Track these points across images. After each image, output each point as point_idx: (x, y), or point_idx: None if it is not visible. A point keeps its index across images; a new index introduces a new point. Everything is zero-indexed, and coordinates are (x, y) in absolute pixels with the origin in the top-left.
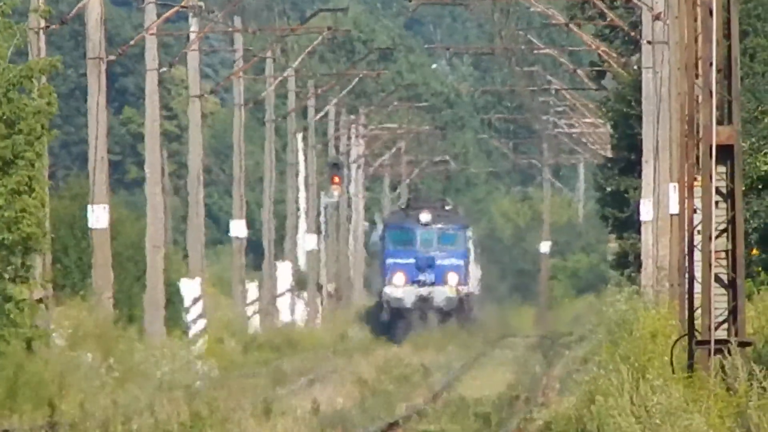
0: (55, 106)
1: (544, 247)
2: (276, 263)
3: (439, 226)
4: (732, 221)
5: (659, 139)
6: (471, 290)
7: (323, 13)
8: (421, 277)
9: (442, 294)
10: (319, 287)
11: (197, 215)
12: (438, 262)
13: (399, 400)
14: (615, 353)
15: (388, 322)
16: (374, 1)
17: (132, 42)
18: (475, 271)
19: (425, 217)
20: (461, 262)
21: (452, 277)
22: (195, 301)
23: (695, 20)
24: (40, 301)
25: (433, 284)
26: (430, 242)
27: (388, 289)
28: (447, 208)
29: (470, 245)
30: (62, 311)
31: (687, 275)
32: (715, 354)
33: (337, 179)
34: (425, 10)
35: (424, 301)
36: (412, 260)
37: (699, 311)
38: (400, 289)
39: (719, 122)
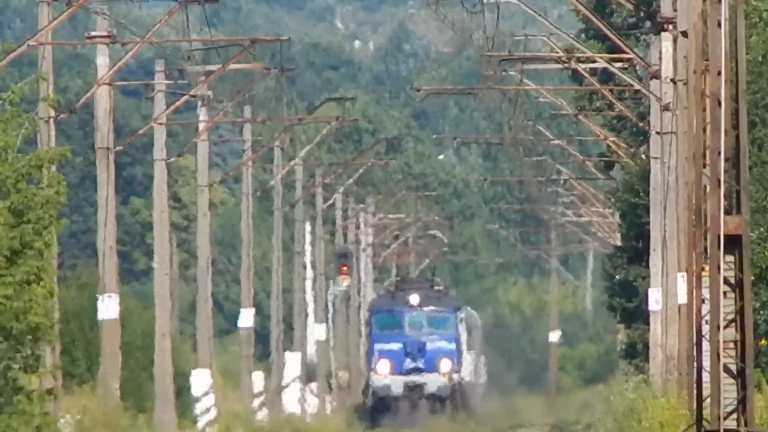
0: (64, 195)
1: (554, 336)
2: (285, 353)
3: (430, 308)
4: (740, 311)
5: (667, 228)
6: (464, 376)
7: (331, 102)
8: (411, 364)
9: (434, 381)
10: (330, 377)
11: (205, 304)
12: (428, 347)
13: None
14: None
15: (373, 411)
16: (382, 91)
17: (141, 132)
18: (467, 357)
19: (414, 299)
20: (453, 347)
21: (445, 364)
22: (205, 392)
23: (703, 110)
24: (49, 391)
25: (423, 371)
26: (419, 326)
27: (374, 377)
28: (437, 288)
29: (462, 329)
30: (70, 400)
31: (695, 365)
32: None
33: (345, 268)
34: (432, 101)
35: (414, 390)
36: (400, 345)
37: (708, 401)
38: (387, 377)
39: (727, 212)
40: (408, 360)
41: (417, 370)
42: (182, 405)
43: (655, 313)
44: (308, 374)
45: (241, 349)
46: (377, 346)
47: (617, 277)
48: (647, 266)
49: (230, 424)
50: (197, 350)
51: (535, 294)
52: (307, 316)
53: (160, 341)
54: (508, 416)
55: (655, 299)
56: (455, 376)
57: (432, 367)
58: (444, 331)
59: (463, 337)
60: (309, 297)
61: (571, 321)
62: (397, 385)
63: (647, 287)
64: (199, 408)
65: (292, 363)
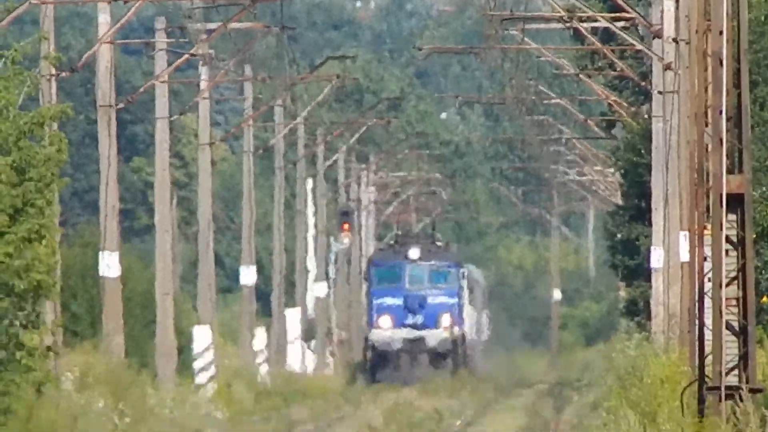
0: (65, 153)
1: (557, 294)
2: (285, 310)
3: (431, 262)
4: (742, 269)
5: (669, 187)
6: (466, 332)
7: (332, 61)
8: (411, 319)
9: (435, 336)
10: (330, 334)
11: (207, 262)
12: (429, 301)
13: None
14: (625, 399)
15: (373, 367)
16: (383, 50)
17: (142, 90)
18: (470, 313)
19: (415, 252)
20: (455, 302)
21: (446, 318)
22: (206, 348)
23: (705, 70)
24: (49, 348)
25: (424, 325)
26: (420, 280)
27: (374, 332)
28: (438, 243)
29: (463, 284)
30: (72, 357)
31: (697, 322)
32: (725, 400)
33: (346, 226)
34: (434, 60)
35: (414, 344)
36: (400, 300)
37: (709, 358)
38: (387, 331)
39: (729, 171)
40: (408, 314)
41: (417, 325)
42: (183, 362)
43: (656, 271)
44: (309, 331)
45: (242, 307)
46: (377, 301)
47: (619, 235)
48: (649, 225)
49: (231, 381)
50: (198, 308)
51: (537, 252)
52: (308, 273)
53: (162, 300)
54: (510, 374)
55: (656, 257)
56: (456, 330)
57: (433, 322)
58: (445, 286)
59: (465, 292)
60: (310, 255)
61: (573, 279)
62: (397, 339)
63: (649, 245)
64: (198, 364)
65: (293, 320)
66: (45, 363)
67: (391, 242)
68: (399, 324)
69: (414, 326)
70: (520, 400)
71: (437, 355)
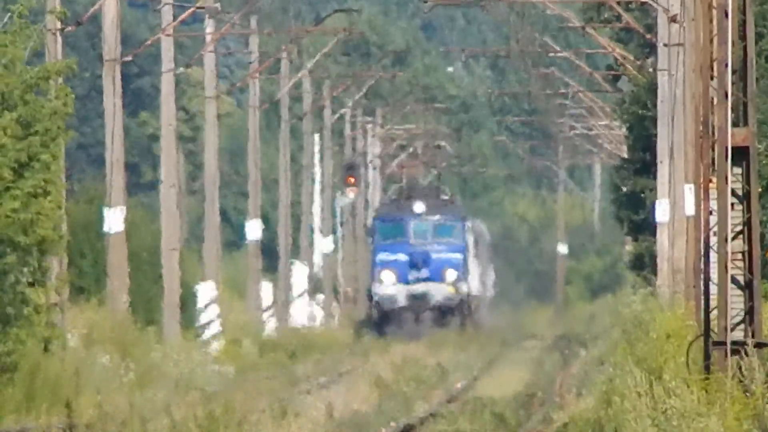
0: (71, 107)
1: (562, 248)
2: (291, 265)
3: (435, 217)
4: (748, 223)
5: (674, 140)
6: (471, 288)
7: (338, 14)
8: (415, 275)
9: (439, 291)
10: (336, 289)
11: (213, 217)
12: (434, 256)
13: (415, 400)
14: (630, 354)
15: (378, 322)
16: (389, 2)
17: (147, 43)
18: (475, 268)
19: (419, 207)
20: (460, 257)
21: (450, 274)
22: (210, 303)
23: (711, 22)
24: (55, 304)
25: (428, 281)
26: (424, 234)
27: (378, 288)
28: (443, 197)
29: (469, 239)
30: (78, 313)
31: (703, 277)
32: (731, 355)
33: (352, 180)
34: (440, 13)
35: (418, 300)
36: (404, 255)
37: (715, 312)
38: (391, 287)
39: (735, 124)
40: (412, 270)
41: (422, 280)
42: (187, 317)
43: (662, 224)
44: (315, 286)
45: (248, 261)
46: (381, 256)
47: (624, 189)
48: (654, 178)
49: (237, 336)
50: (204, 263)
51: (542, 206)
52: (313, 229)
53: (167, 255)
54: (516, 328)
55: (662, 211)
56: (461, 286)
57: (437, 277)
58: (450, 241)
59: (470, 247)
60: (317, 209)
61: (578, 233)
62: (401, 295)
63: (654, 199)
64: (203, 319)
65: (299, 274)
66: (51, 319)
67: (395, 196)
68: (403, 280)
69: (418, 281)
70: (526, 354)
71: (442, 311)
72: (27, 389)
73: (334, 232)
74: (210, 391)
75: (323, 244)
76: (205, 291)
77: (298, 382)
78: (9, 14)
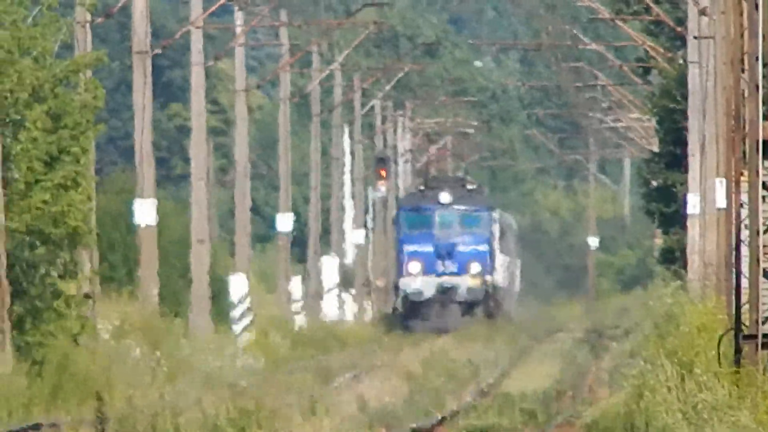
0: (101, 100)
1: (593, 242)
2: (321, 258)
3: (461, 207)
4: None
5: (705, 133)
6: (497, 280)
7: (369, 7)
8: (441, 267)
9: (465, 284)
10: (368, 282)
11: (244, 209)
12: (459, 248)
13: (445, 394)
14: (661, 348)
15: (404, 315)
16: None
17: (177, 35)
18: (502, 260)
19: (445, 197)
20: (485, 249)
21: (476, 266)
22: (242, 296)
23: (741, 15)
24: (87, 296)
25: (454, 273)
26: (450, 225)
27: (404, 280)
28: (470, 187)
29: (496, 230)
30: (108, 306)
31: (734, 270)
32: (762, 348)
33: (383, 173)
34: (469, 6)
35: (445, 293)
36: (430, 247)
37: (746, 306)
38: (417, 279)
39: (766, 117)
40: (438, 262)
41: (447, 272)
42: (219, 310)
43: (693, 218)
44: (346, 279)
45: (278, 254)
46: (406, 248)
47: (655, 182)
48: (685, 171)
49: (267, 329)
50: (235, 255)
51: (573, 199)
52: (343, 222)
53: (197, 247)
54: (546, 321)
55: (693, 204)
56: (487, 278)
57: (463, 269)
58: (476, 231)
59: (497, 238)
60: (347, 202)
61: (609, 226)
62: (428, 288)
63: (685, 192)
64: (235, 313)
65: (330, 268)
66: (81, 312)
67: (421, 187)
68: (429, 271)
69: (444, 273)
70: (556, 347)
71: (468, 304)
72: (57, 382)
73: (365, 225)
74: (241, 385)
75: (354, 236)
76: (237, 284)
77: (328, 376)
78: (38, 6)
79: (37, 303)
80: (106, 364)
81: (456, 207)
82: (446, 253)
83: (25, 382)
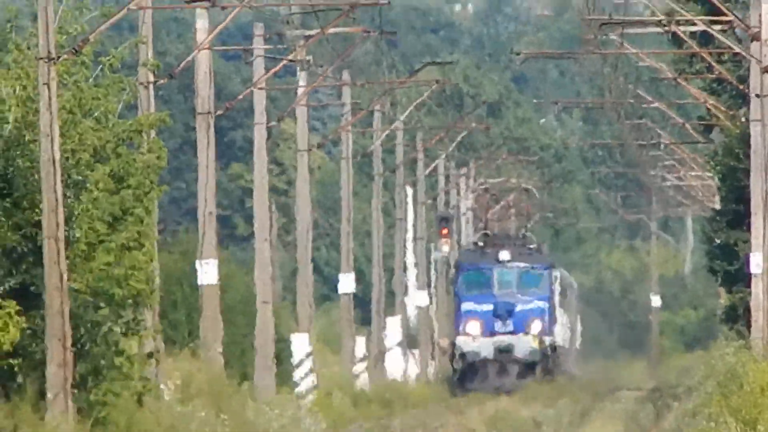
0: (164, 160)
1: (656, 300)
2: (386, 318)
3: (521, 265)
4: None
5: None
6: (557, 339)
7: (431, 66)
8: (500, 327)
9: (524, 344)
10: (432, 342)
11: (306, 269)
12: (519, 307)
13: None
14: (725, 406)
15: (462, 376)
16: (482, 54)
17: (240, 96)
18: (561, 319)
19: (504, 255)
20: (546, 307)
21: (536, 325)
22: (305, 356)
23: None
24: (150, 355)
25: (512, 333)
26: (509, 284)
27: (461, 340)
28: (530, 246)
29: (555, 288)
30: (171, 365)
31: None
32: None
33: (445, 231)
34: (532, 65)
35: (503, 353)
36: (488, 305)
37: None
38: (476, 340)
39: None
40: (497, 321)
41: (506, 332)
42: (282, 371)
43: (756, 276)
44: (410, 340)
45: (341, 314)
46: (464, 306)
47: (717, 240)
48: (748, 230)
49: (330, 390)
50: (297, 316)
51: (636, 257)
52: (407, 282)
53: (262, 308)
54: (608, 380)
55: (756, 263)
56: (547, 339)
57: (522, 329)
58: (536, 290)
59: (557, 296)
60: (410, 263)
61: (671, 284)
62: (486, 348)
63: (748, 251)
64: (298, 374)
65: (393, 328)
66: (144, 370)
67: (480, 243)
68: (488, 331)
69: (503, 333)
70: (619, 406)
71: (527, 364)
72: None
73: (428, 285)
74: None
75: (418, 297)
76: (300, 344)
77: None
78: (100, 66)
79: (101, 361)
80: (171, 424)
81: (515, 264)
82: (506, 312)
83: None
